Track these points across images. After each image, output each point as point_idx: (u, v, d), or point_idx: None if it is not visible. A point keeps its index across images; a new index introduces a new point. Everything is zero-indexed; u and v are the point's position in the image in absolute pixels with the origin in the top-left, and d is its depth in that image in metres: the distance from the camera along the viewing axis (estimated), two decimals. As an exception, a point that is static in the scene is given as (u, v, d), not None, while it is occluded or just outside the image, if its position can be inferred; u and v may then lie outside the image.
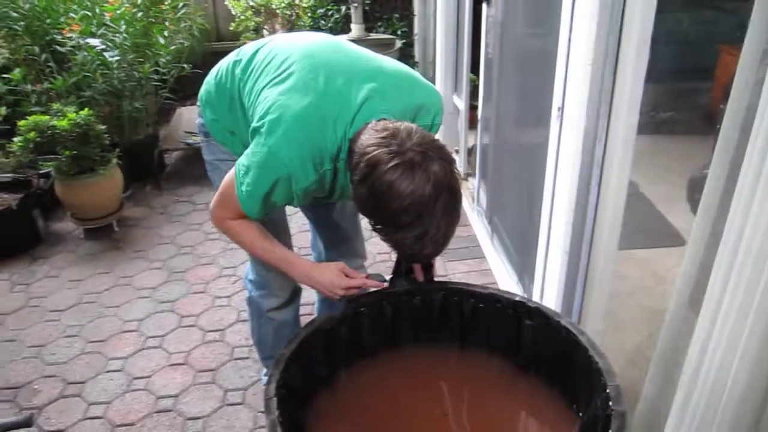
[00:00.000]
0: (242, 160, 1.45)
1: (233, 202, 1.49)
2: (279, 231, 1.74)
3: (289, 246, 1.90)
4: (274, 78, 1.47)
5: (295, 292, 2.00)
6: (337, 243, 2.05)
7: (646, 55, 1.49)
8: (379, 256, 3.13)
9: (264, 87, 1.48)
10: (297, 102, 1.39)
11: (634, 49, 1.48)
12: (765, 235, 1.00)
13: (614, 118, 1.58)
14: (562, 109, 1.69)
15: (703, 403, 1.23)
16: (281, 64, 1.49)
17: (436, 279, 1.65)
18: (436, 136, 1.30)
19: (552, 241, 1.88)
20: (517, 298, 1.54)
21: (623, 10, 1.49)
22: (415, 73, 1.55)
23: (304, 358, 1.44)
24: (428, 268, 1.63)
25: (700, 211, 1.37)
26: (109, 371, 2.50)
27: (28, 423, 1.49)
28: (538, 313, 1.50)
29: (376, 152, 1.21)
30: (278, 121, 1.38)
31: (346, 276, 1.53)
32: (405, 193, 1.17)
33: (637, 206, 2.99)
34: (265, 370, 2.28)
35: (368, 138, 1.26)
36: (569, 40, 1.62)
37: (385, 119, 1.33)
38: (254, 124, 1.44)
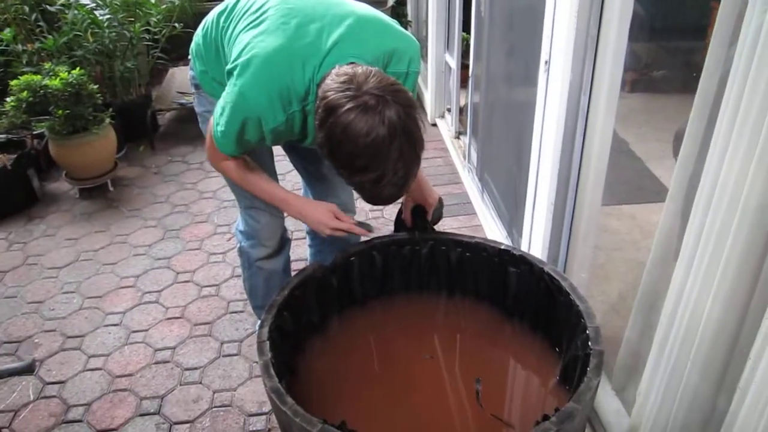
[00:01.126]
0: (219, 101, 1.49)
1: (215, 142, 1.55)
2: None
3: None
4: (250, 23, 1.50)
5: (284, 242, 2.04)
6: (327, 197, 2.08)
7: (631, 5, 1.51)
8: (371, 213, 3.18)
9: (240, 31, 1.51)
10: (268, 45, 1.41)
11: (619, 2, 1.50)
12: (737, 184, 1.04)
13: (599, 70, 1.60)
14: (549, 62, 1.71)
15: (679, 343, 1.29)
16: (258, 9, 1.52)
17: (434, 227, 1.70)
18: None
19: (538, 194, 1.92)
20: (502, 247, 1.59)
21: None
22: (391, 21, 1.56)
23: (295, 305, 1.49)
24: (423, 215, 1.68)
25: (679, 162, 1.41)
26: (107, 325, 2.56)
27: (30, 369, 1.54)
28: (523, 261, 1.55)
29: (333, 96, 1.23)
30: (248, 63, 1.41)
31: (336, 218, 1.57)
32: (359, 135, 1.19)
33: (626, 163, 3.03)
34: (259, 322, 2.34)
35: (329, 83, 1.28)
36: (556, -7, 1.64)
37: (353, 63, 1.35)
38: (228, 67, 1.47)
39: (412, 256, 1.68)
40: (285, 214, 1.91)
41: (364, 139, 1.19)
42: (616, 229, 2.67)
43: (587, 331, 1.30)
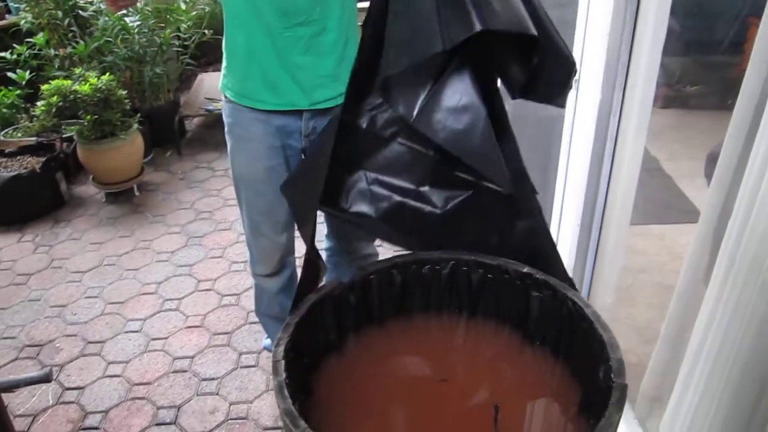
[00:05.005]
0: None
1: None
2: None
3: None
4: None
5: (283, 265, 2.00)
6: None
7: (665, 25, 1.47)
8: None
9: None
10: None
11: (653, 20, 1.46)
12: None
13: (630, 90, 1.56)
14: (578, 81, 1.67)
15: (706, 376, 1.24)
16: None
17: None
18: None
19: (564, 214, 1.88)
20: (525, 270, 1.54)
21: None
22: None
23: (312, 323, 1.47)
24: None
25: (712, 185, 1.37)
26: (127, 332, 2.56)
27: (46, 379, 1.53)
28: (546, 285, 1.51)
29: None
30: None
31: None
32: None
33: (656, 182, 2.96)
34: (266, 336, 2.33)
35: None
36: (587, 9, 1.60)
37: None
38: None
39: (432, 275, 1.65)
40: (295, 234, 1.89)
41: None
42: (643, 249, 2.61)
43: (610, 363, 1.26)
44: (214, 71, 5.33)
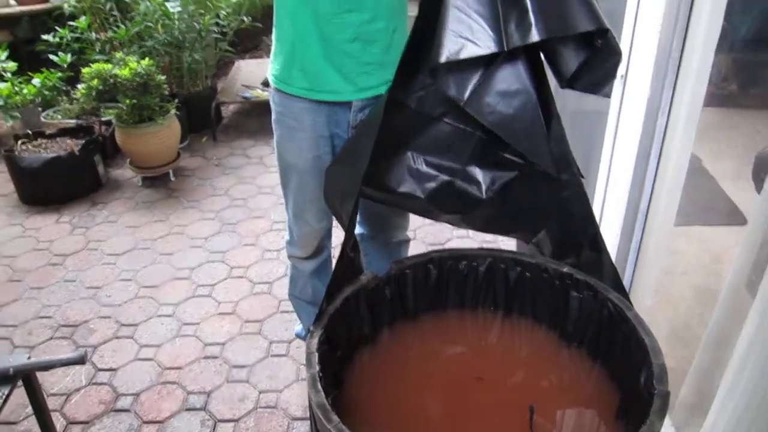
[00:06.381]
0: None
1: None
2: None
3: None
4: None
5: (319, 250, 2.01)
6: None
7: (719, 23, 1.42)
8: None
9: None
10: None
11: (707, 17, 1.41)
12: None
13: (680, 89, 1.51)
14: (625, 76, 1.63)
15: (751, 389, 1.20)
16: None
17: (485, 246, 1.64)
18: None
19: (606, 213, 1.83)
20: (564, 269, 1.51)
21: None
22: None
23: (346, 315, 1.45)
24: None
25: (764, 192, 1.32)
26: (160, 316, 2.58)
27: (81, 360, 1.55)
28: (586, 286, 1.47)
29: None
30: None
31: None
32: None
33: (698, 181, 2.88)
34: (299, 322, 2.33)
35: None
36: (638, 3, 1.55)
37: None
38: None
39: (468, 271, 1.62)
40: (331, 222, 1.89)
41: None
42: (683, 251, 2.54)
43: (652, 368, 1.22)
44: (251, 58, 5.35)
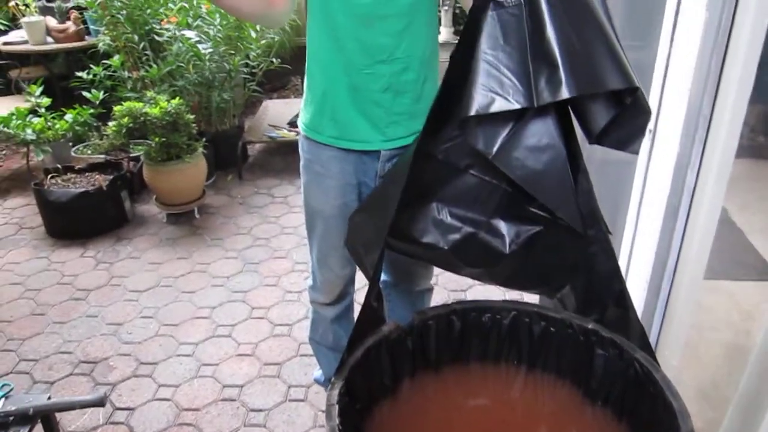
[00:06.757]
0: None
1: None
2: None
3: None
4: None
5: (342, 296, 2.00)
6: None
7: (752, 79, 1.41)
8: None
9: None
10: None
11: (739, 72, 1.40)
12: None
13: (710, 144, 1.50)
14: (654, 131, 1.61)
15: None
16: None
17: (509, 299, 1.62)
18: None
19: (632, 267, 1.80)
20: (590, 326, 1.48)
21: (730, 31, 1.41)
22: None
23: (367, 366, 1.43)
24: None
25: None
26: (179, 355, 2.58)
27: (100, 403, 1.55)
28: (612, 344, 1.44)
29: None
30: None
31: None
32: None
33: (725, 234, 2.84)
34: (318, 367, 2.31)
35: None
36: (667, 59, 1.55)
37: None
38: None
39: (492, 324, 1.60)
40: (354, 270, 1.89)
41: None
42: (711, 306, 2.49)
43: (680, 433, 1.19)
44: (278, 98, 5.43)
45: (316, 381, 2.37)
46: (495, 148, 1.32)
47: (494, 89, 1.25)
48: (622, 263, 1.86)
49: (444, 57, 1.47)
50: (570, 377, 1.57)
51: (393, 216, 1.39)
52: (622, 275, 1.49)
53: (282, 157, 4.53)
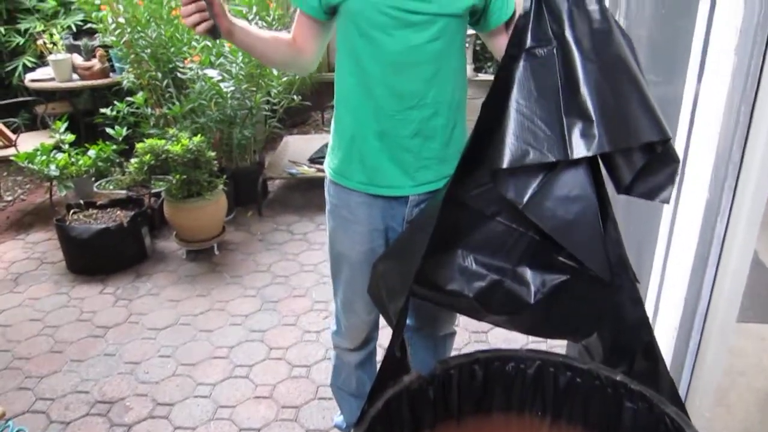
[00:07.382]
0: None
1: None
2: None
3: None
4: None
5: (366, 342, 1.98)
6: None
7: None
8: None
9: None
10: None
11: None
12: None
13: (740, 192, 1.46)
14: (681, 181, 1.58)
15: None
16: None
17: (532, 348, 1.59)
18: None
19: (660, 316, 1.76)
20: (618, 378, 1.44)
21: (759, 77, 1.38)
22: None
23: (388, 418, 1.40)
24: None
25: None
26: (196, 396, 2.55)
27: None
28: (641, 397, 1.39)
29: None
30: None
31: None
32: None
33: (754, 275, 2.77)
34: (339, 413, 2.26)
35: None
36: (693, 108, 1.52)
37: None
38: None
39: (516, 374, 1.56)
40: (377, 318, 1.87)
41: None
42: (741, 350, 2.42)
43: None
44: (299, 133, 5.46)
45: (337, 427, 2.33)
46: (526, 198, 1.30)
47: (528, 141, 1.23)
48: (648, 309, 1.81)
49: (473, 91, 1.47)
50: (597, 430, 1.52)
51: (418, 265, 1.36)
52: (651, 325, 1.44)
53: (302, 194, 4.53)
